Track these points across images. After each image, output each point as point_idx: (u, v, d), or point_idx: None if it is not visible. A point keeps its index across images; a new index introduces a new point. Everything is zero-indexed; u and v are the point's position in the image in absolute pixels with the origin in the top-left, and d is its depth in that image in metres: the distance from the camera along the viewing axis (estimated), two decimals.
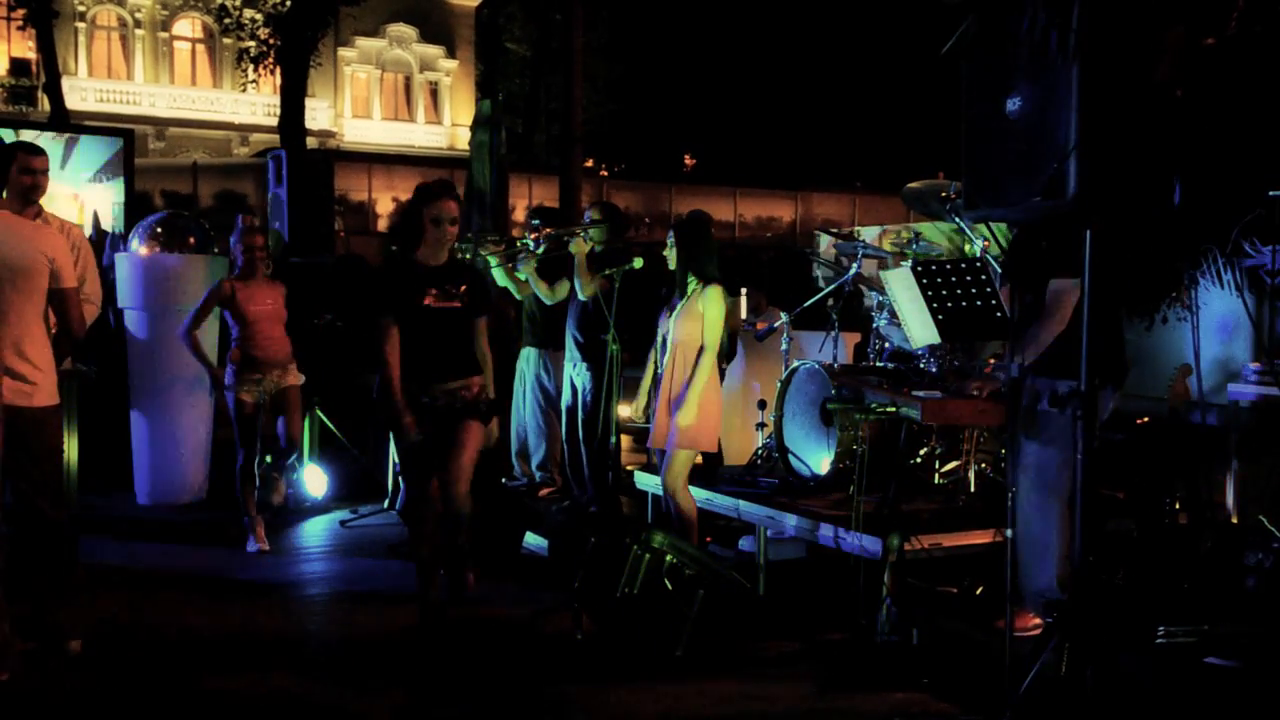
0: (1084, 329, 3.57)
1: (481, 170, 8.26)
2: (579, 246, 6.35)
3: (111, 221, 12.74)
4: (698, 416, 5.31)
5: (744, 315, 7.70)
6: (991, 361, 5.21)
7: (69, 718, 4.10)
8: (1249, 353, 5.90)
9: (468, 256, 6.52)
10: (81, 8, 32.44)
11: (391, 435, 5.07)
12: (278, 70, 25.14)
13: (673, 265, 5.47)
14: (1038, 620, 4.63)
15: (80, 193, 13.10)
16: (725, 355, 5.44)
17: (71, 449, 5.95)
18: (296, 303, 6.64)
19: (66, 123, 22.87)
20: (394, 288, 4.87)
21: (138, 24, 33.52)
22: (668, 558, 4.73)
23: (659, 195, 29.57)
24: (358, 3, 25.23)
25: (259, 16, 27.28)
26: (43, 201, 5.07)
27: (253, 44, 27.59)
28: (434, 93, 37.43)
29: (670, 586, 4.68)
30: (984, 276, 4.32)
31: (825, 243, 12.28)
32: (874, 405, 4.54)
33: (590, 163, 31.25)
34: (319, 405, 7.68)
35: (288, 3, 25.03)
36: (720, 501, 5.76)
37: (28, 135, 12.12)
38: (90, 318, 4.95)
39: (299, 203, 10.05)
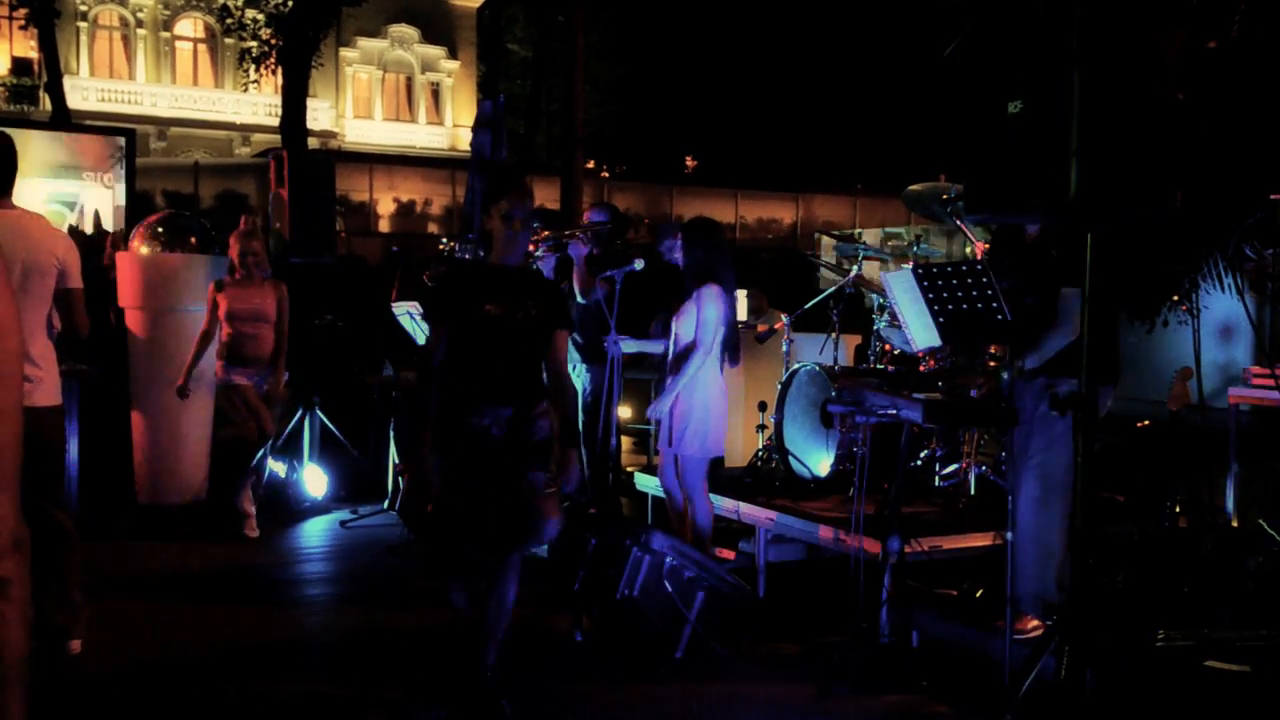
0: (1084, 332, 3.57)
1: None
2: (579, 249, 6.34)
3: (113, 221, 12.74)
4: (698, 420, 5.28)
5: (743, 316, 7.71)
6: (992, 364, 5.21)
7: (68, 718, 4.10)
8: (1249, 356, 5.91)
9: (467, 258, 6.52)
10: (83, 7, 32.45)
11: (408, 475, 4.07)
12: (279, 70, 25.15)
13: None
14: (1037, 623, 4.63)
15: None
16: (732, 357, 5.40)
17: (72, 448, 5.95)
18: (297, 303, 6.65)
19: (68, 122, 22.89)
20: (453, 290, 4.03)
21: (139, 24, 33.54)
22: (667, 559, 4.73)
23: (660, 197, 29.58)
24: (359, 3, 25.24)
25: (261, 17, 27.30)
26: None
27: (254, 44, 27.59)
28: (435, 93, 37.44)
29: (670, 588, 4.68)
30: (985, 279, 4.31)
31: (827, 245, 12.29)
32: (874, 407, 4.53)
33: (591, 164, 31.24)
34: (319, 405, 7.68)
35: (290, 3, 25.04)
36: (720, 503, 5.76)
37: (27, 135, 12.14)
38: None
39: (300, 203, 10.02)
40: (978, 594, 5.19)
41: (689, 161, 39.51)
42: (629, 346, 5.95)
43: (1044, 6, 3.31)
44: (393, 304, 7.80)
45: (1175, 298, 6.59)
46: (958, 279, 4.33)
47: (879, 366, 5.93)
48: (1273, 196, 5.42)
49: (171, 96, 33.62)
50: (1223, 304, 6.12)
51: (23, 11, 25.48)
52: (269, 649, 4.80)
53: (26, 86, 31.37)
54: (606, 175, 33.86)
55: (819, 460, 5.79)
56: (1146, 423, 5.90)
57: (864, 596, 4.52)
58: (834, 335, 6.35)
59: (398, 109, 37.25)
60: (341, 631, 5.17)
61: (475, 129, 9.23)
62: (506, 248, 4.05)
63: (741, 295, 7.77)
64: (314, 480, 7.51)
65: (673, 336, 5.49)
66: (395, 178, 27.61)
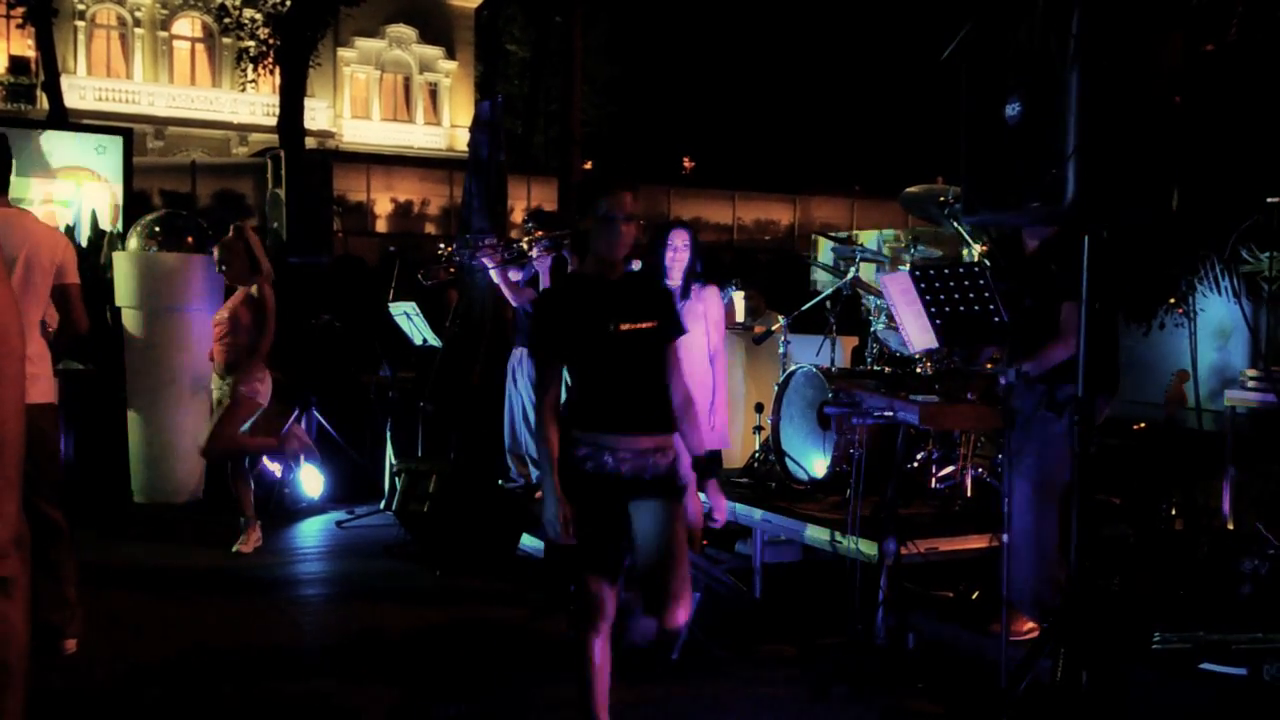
0: (1081, 335, 3.57)
1: None
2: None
3: (109, 220, 12.72)
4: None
5: (741, 318, 7.71)
6: (989, 366, 5.21)
7: (63, 718, 4.09)
8: (1246, 359, 5.92)
9: (462, 259, 6.51)
10: (81, 6, 32.42)
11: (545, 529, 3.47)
12: (277, 70, 25.12)
13: (678, 269, 5.27)
14: (1033, 625, 4.63)
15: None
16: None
17: (68, 447, 5.94)
18: (295, 303, 6.64)
19: (65, 121, 22.87)
20: (573, 313, 3.43)
21: (137, 23, 33.51)
22: None
23: (658, 198, 29.58)
24: (357, 3, 25.23)
25: (259, 16, 27.26)
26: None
27: (252, 44, 27.57)
28: (433, 94, 37.43)
29: None
30: (982, 281, 4.31)
31: (825, 247, 12.30)
32: (871, 409, 4.53)
33: (589, 165, 31.24)
34: (316, 405, 7.67)
35: (287, 3, 25.03)
36: None
37: (27, 134, 12.11)
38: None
39: (297, 203, 10.05)
40: (974, 596, 5.19)
41: (686, 162, 39.49)
42: None
43: (1043, 8, 3.31)
44: (390, 304, 7.80)
45: (1172, 300, 6.59)
46: (955, 281, 4.33)
47: (876, 368, 5.92)
48: (1269, 199, 5.43)
49: (169, 96, 33.59)
50: (1219, 307, 6.13)
51: (20, 10, 25.47)
52: (265, 649, 4.79)
53: (24, 85, 31.36)
54: None
55: (816, 462, 5.78)
56: (1143, 425, 5.90)
57: (860, 598, 4.52)
58: (831, 337, 6.35)
59: (395, 109, 37.24)
60: (338, 632, 5.16)
61: (473, 129, 9.23)
62: (608, 253, 3.44)
63: (739, 296, 7.78)
64: (310, 481, 7.51)
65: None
66: (393, 178, 27.61)
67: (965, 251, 5.78)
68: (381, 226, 26.76)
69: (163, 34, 34.06)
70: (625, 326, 3.39)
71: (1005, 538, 4.15)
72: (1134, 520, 5.35)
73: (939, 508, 5.46)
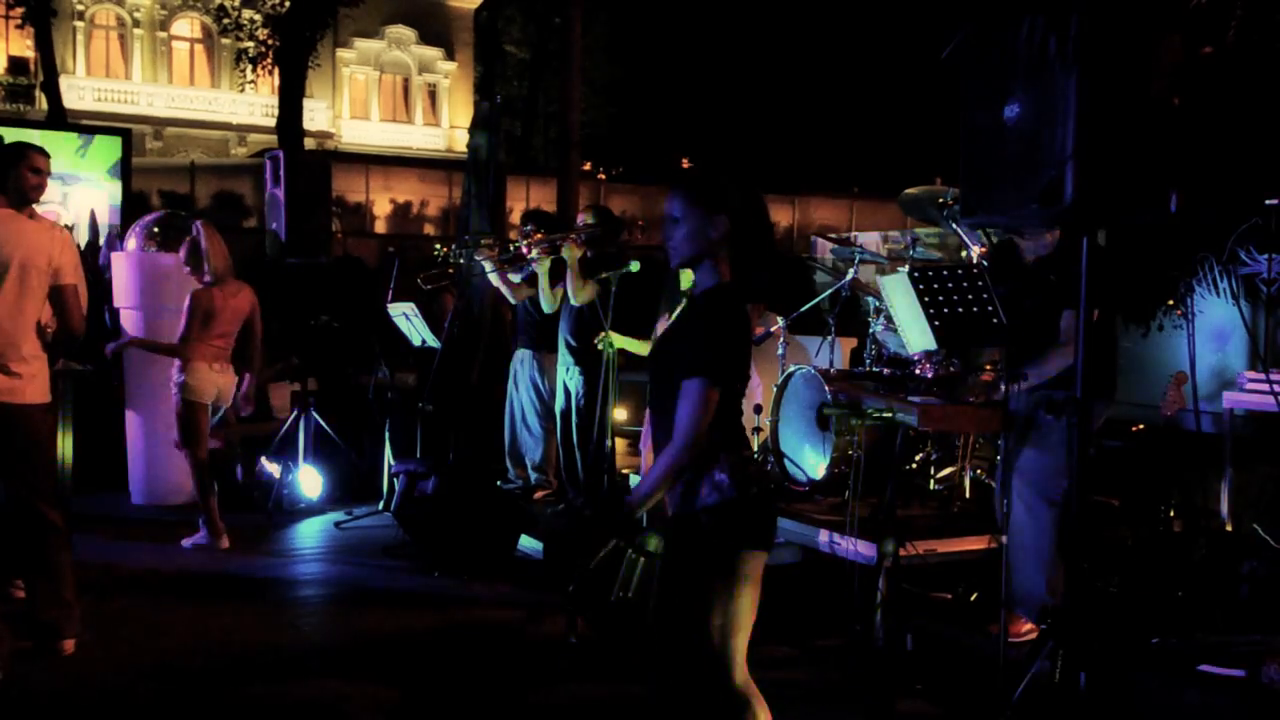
0: (1079, 336, 3.57)
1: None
2: (571, 251, 6.34)
3: (108, 220, 12.74)
4: None
5: None
6: (988, 368, 5.21)
7: (61, 718, 4.09)
8: (1244, 361, 5.91)
9: (461, 261, 6.51)
10: (80, 7, 32.42)
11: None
12: (276, 71, 25.14)
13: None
14: (1032, 626, 4.63)
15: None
16: None
17: (66, 448, 5.94)
18: (294, 303, 6.64)
19: (64, 122, 22.87)
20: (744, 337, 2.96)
21: (136, 23, 33.51)
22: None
23: (657, 198, 29.57)
24: (357, 4, 25.25)
25: (258, 17, 27.28)
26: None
27: (251, 44, 27.58)
28: (432, 94, 37.43)
29: None
30: (981, 283, 4.31)
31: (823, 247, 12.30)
32: (870, 411, 4.53)
33: (588, 165, 31.25)
34: (314, 406, 7.67)
35: (286, 3, 25.03)
36: None
37: (29, 134, 12.11)
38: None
39: (296, 203, 10.04)
40: (972, 598, 5.19)
41: (685, 163, 39.51)
42: (620, 342, 5.92)
43: (1042, 10, 3.31)
44: (388, 305, 7.80)
45: (1170, 302, 6.59)
46: (954, 282, 4.33)
47: (874, 369, 5.92)
48: (1268, 201, 5.43)
49: (168, 96, 33.59)
50: (1217, 309, 6.13)
51: (19, 10, 25.47)
52: (264, 650, 4.79)
53: (23, 86, 31.35)
54: (603, 177, 33.85)
55: (814, 463, 5.78)
56: (1141, 427, 5.90)
57: (859, 600, 4.52)
58: (830, 338, 6.35)
59: (394, 110, 37.24)
60: (336, 632, 5.16)
61: (472, 130, 9.24)
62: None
63: None
64: (309, 481, 7.50)
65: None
66: (392, 179, 27.57)
67: (963, 254, 5.78)
68: (380, 227, 26.74)
69: (162, 34, 34.05)
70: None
71: (1004, 539, 4.16)
72: (1132, 522, 5.35)
73: (938, 509, 5.46)
